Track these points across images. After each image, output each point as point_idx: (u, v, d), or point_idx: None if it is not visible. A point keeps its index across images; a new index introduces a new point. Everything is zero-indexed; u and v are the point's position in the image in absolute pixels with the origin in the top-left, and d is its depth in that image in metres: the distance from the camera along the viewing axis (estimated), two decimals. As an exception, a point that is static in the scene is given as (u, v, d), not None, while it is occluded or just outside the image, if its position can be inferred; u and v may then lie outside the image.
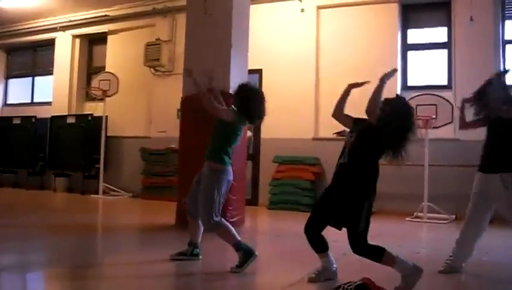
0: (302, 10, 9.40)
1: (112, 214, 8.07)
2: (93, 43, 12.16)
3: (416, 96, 7.72)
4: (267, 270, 3.88)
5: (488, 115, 3.86)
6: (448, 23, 8.56)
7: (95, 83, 10.17)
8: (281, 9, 9.68)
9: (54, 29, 11.98)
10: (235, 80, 6.26)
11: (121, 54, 11.21)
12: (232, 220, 5.58)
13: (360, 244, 3.27)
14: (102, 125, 10.00)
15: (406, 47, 8.95)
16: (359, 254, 3.31)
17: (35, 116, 11.81)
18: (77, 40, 12.02)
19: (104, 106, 10.00)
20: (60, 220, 6.79)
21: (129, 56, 10.89)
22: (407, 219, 7.51)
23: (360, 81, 3.58)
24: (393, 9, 8.85)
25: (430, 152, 7.53)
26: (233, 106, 4.11)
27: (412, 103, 7.57)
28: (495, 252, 4.93)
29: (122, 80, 10.09)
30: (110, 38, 11.50)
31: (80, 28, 11.78)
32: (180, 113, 6.99)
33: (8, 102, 13.58)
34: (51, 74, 12.32)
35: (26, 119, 11.86)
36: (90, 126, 10.71)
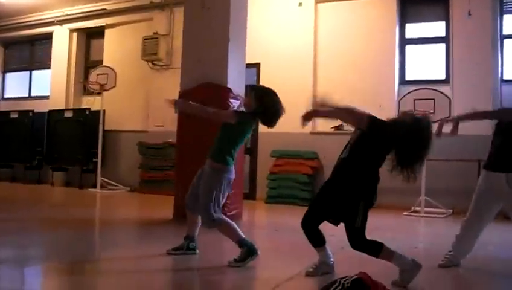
0: (300, 4, 9.39)
1: (110, 208, 8.08)
2: (90, 37, 12.13)
3: (414, 90, 7.73)
4: (264, 264, 3.88)
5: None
6: (446, 17, 8.56)
7: (92, 77, 10.14)
8: (279, 3, 9.67)
9: (52, 23, 11.95)
10: (233, 74, 6.27)
11: (118, 48, 11.19)
12: (229, 214, 5.59)
13: (358, 240, 3.28)
14: (100, 120, 9.98)
15: (404, 41, 8.95)
16: (357, 249, 3.32)
17: (32, 111, 11.78)
18: (75, 34, 11.99)
19: (101, 100, 9.98)
20: (58, 215, 6.78)
21: (127, 50, 10.87)
22: (404, 213, 7.54)
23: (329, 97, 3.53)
24: (391, 3, 8.84)
25: (427, 146, 7.52)
26: (243, 108, 4.05)
27: (410, 98, 7.71)
28: (494, 246, 4.94)
29: (120, 74, 10.07)
30: (107, 32, 11.47)
31: (78, 21, 11.75)
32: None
33: (6, 96, 13.56)
34: (49, 68, 12.30)
35: (23, 113, 11.82)
36: (88, 120, 10.71)
